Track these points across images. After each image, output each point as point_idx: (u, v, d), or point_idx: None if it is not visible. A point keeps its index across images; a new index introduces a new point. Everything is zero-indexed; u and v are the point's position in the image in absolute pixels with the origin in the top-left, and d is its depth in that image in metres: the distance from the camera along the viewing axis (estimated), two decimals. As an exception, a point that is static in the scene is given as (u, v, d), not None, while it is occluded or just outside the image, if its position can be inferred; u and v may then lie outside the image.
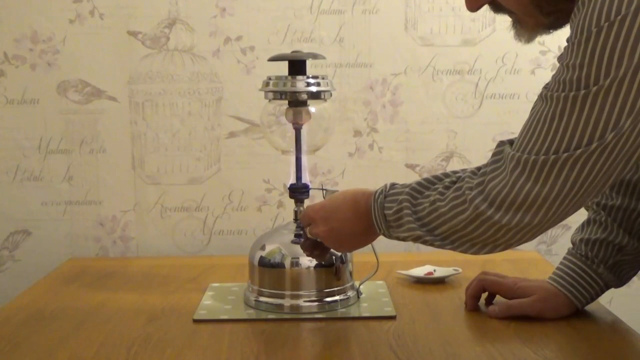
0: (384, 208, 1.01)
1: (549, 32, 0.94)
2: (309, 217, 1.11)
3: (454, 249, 0.96)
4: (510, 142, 0.91)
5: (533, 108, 0.88)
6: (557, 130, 0.83)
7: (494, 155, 0.91)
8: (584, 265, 1.13)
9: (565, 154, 0.83)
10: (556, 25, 0.92)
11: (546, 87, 0.86)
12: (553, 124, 0.84)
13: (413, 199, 0.98)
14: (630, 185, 1.13)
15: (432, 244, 0.97)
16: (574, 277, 1.13)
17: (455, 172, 0.98)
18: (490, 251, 0.94)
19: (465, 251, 0.95)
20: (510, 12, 0.93)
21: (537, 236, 0.91)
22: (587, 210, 1.17)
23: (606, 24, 0.78)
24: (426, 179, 0.99)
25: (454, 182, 0.95)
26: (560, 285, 1.13)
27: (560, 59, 0.85)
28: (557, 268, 1.16)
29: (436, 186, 0.97)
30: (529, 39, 0.95)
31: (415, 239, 0.98)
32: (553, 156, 0.84)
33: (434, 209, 0.95)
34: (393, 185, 1.03)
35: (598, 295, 1.14)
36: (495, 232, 0.90)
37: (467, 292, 1.20)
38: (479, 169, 0.93)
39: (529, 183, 0.86)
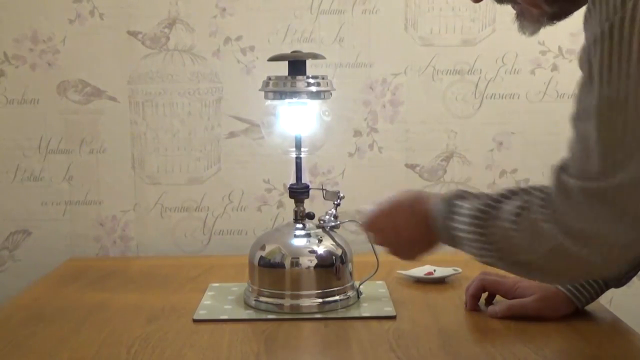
0: (449, 228, 0.95)
1: (553, 23, 0.92)
2: (370, 226, 1.08)
3: (527, 277, 0.93)
4: (564, 167, 0.83)
5: (577, 126, 0.81)
6: None
7: (557, 186, 0.83)
8: None
9: None
10: (560, 15, 0.91)
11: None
12: None
13: (482, 220, 0.91)
14: None
15: (501, 269, 0.93)
16: None
17: (514, 192, 0.90)
18: (569, 282, 0.90)
19: (541, 280, 0.92)
20: (513, 3, 0.93)
21: (621, 269, 0.86)
22: None
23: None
24: (489, 197, 0.91)
25: (522, 209, 0.87)
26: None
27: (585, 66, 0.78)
28: None
29: (503, 210, 0.88)
30: (533, 31, 0.93)
31: (485, 263, 0.93)
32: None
33: (507, 238, 0.87)
34: (452, 202, 0.96)
35: (598, 295, 1.14)
36: (576, 266, 0.84)
37: (467, 292, 1.20)
38: (546, 196, 0.85)
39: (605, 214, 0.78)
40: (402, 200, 1.05)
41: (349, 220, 1.24)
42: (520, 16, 0.93)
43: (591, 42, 0.77)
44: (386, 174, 1.64)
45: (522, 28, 0.94)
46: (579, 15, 0.94)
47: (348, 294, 1.21)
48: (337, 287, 1.20)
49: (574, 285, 1.12)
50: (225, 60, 1.62)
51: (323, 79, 1.20)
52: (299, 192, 1.23)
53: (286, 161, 1.25)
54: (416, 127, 1.64)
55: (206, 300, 1.24)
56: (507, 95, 1.63)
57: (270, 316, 1.16)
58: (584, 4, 0.88)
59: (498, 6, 0.96)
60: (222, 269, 1.46)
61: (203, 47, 1.62)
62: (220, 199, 1.66)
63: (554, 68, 1.62)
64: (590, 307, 1.17)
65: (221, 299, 1.25)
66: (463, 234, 0.93)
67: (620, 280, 1.14)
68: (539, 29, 0.93)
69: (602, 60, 0.75)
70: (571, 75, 1.61)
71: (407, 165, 1.64)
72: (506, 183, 1.64)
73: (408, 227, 1.03)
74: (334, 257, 1.19)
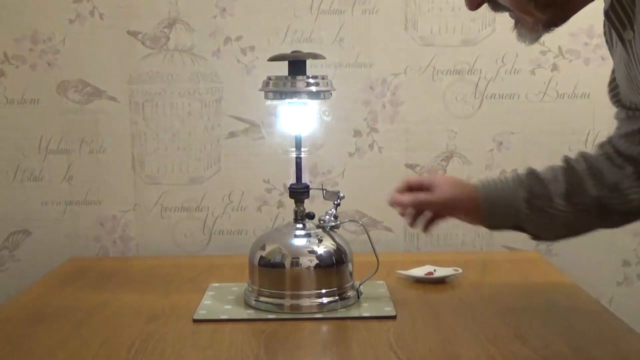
0: None
1: (550, 30, 0.92)
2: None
3: None
4: None
5: None
6: None
7: None
8: (511, 181, 1.14)
9: None
10: (556, 21, 0.91)
11: None
12: None
13: None
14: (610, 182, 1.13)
15: None
16: (496, 181, 1.14)
17: None
18: None
19: None
20: (508, 10, 0.93)
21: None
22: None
23: None
24: None
25: None
26: (479, 181, 1.15)
27: None
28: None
29: None
30: (532, 39, 0.93)
31: None
32: None
33: None
34: None
35: (507, 221, 1.14)
36: None
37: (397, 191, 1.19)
38: None
39: None
40: None
41: (349, 220, 1.24)
42: (518, 24, 0.93)
43: None
44: (386, 174, 1.64)
45: (521, 36, 0.94)
46: (578, 16, 0.94)
47: (348, 294, 1.21)
48: (337, 287, 1.20)
49: (489, 185, 1.14)
50: (225, 60, 1.62)
51: (323, 79, 1.20)
52: (299, 192, 1.23)
53: (286, 161, 1.25)
54: (416, 127, 1.64)
55: (206, 300, 1.24)
56: (507, 95, 1.63)
57: (270, 316, 1.16)
58: (580, 9, 0.88)
59: (498, 7, 0.96)
60: (222, 269, 1.46)
61: (203, 47, 1.62)
62: (220, 199, 1.66)
63: (554, 68, 1.62)
64: (590, 307, 1.17)
65: (221, 299, 1.25)
66: None
67: (535, 228, 1.14)
68: (537, 37, 0.92)
69: None
70: (571, 75, 1.62)
71: (407, 165, 1.64)
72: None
73: None
74: (334, 257, 1.19)
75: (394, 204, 1.17)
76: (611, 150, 1.13)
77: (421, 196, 1.15)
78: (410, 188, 1.18)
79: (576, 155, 1.16)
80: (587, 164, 1.14)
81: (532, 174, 1.14)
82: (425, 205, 1.15)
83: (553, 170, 1.14)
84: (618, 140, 1.12)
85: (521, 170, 1.16)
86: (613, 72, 1.09)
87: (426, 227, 1.17)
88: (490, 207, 1.13)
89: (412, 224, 1.18)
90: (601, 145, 1.16)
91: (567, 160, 1.15)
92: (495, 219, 1.14)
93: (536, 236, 1.15)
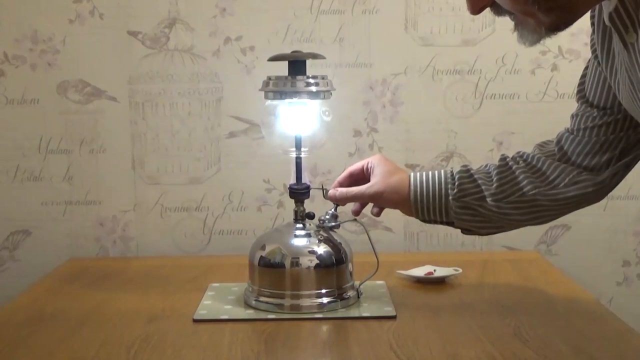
0: None
1: (554, 34, 0.92)
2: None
3: None
4: None
5: None
6: None
7: None
8: (443, 177, 1.16)
9: None
10: (558, 24, 0.91)
11: None
12: None
13: None
14: (546, 175, 1.15)
15: None
16: (428, 177, 1.17)
17: None
18: None
19: None
20: (510, 14, 0.92)
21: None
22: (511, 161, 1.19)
23: None
24: None
25: None
26: (413, 173, 1.18)
27: None
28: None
29: None
30: (533, 42, 0.93)
31: None
32: None
33: None
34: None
35: (437, 217, 1.17)
36: None
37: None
38: None
39: None
40: None
41: (349, 220, 1.24)
42: (519, 27, 0.93)
43: None
44: (386, 174, 1.63)
45: (522, 38, 0.93)
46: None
47: (348, 294, 1.21)
48: (337, 287, 1.20)
49: (421, 178, 1.17)
50: (225, 60, 1.62)
51: (323, 78, 1.20)
52: (299, 192, 1.23)
53: (286, 161, 1.25)
54: (416, 127, 1.64)
55: (206, 300, 1.24)
56: (507, 95, 1.63)
57: (270, 316, 1.16)
58: (582, 14, 0.88)
59: (498, 7, 0.96)
60: (222, 269, 1.46)
61: (203, 47, 1.62)
62: (220, 199, 1.66)
63: (554, 68, 1.62)
64: (590, 307, 1.17)
65: (221, 299, 1.25)
66: None
67: (460, 222, 1.17)
68: (538, 40, 0.92)
69: None
70: (571, 75, 1.61)
71: (407, 165, 1.64)
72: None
73: None
74: (334, 257, 1.19)
75: (329, 198, 1.21)
76: (555, 147, 1.16)
77: (353, 191, 1.19)
78: (352, 176, 1.23)
79: (514, 154, 1.19)
80: (526, 162, 1.17)
81: (465, 172, 1.17)
82: (358, 199, 1.20)
83: (487, 169, 1.17)
84: (568, 137, 1.15)
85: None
86: (583, 76, 1.13)
87: (374, 213, 1.22)
88: (420, 203, 1.16)
89: (355, 212, 1.24)
90: (543, 144, 1.20)
91: (503, 158, 1.18)
92: (425, 213, 1.17)
93: (468, 231, 1.19)
